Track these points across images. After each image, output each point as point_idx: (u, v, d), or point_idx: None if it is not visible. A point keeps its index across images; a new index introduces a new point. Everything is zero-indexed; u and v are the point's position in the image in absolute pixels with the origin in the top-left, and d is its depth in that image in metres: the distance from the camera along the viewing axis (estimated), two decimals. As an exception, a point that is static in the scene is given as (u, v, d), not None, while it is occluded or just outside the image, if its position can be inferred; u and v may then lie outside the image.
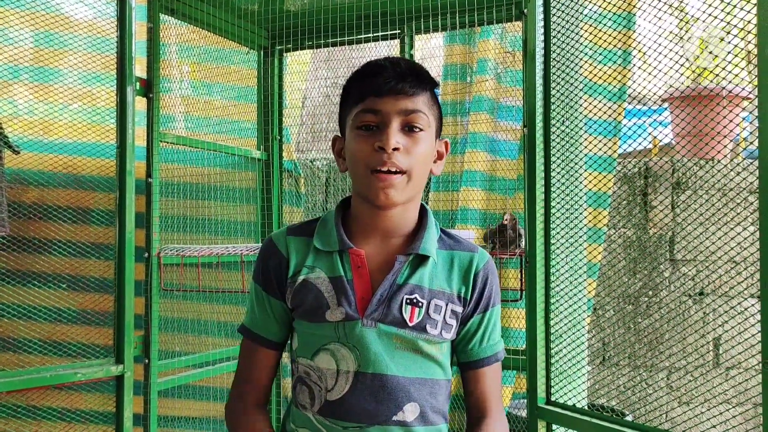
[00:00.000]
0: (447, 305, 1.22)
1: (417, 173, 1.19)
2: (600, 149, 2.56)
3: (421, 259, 1.23)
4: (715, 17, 1.52)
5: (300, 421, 1.24)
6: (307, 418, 1.23)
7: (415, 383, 1.21)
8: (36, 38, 2.65)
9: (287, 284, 1.24)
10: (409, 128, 1.18)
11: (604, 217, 2.78)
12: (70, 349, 2.48)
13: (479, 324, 1.26)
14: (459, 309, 1.24)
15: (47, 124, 2.63)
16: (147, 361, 2.49)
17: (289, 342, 1.31)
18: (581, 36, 2.02)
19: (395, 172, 1.16)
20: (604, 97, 2.11)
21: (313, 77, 3.87)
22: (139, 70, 2.49)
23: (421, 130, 1.19)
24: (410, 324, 1.19)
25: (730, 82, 2.64)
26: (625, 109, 2.69)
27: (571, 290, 2.04)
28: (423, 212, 1.28)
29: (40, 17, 2.52)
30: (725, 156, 3.11)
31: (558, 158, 2.03)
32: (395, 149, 1.15)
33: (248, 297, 1.32)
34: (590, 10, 2.08)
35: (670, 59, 1.69)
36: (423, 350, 1.21)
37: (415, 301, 1.20)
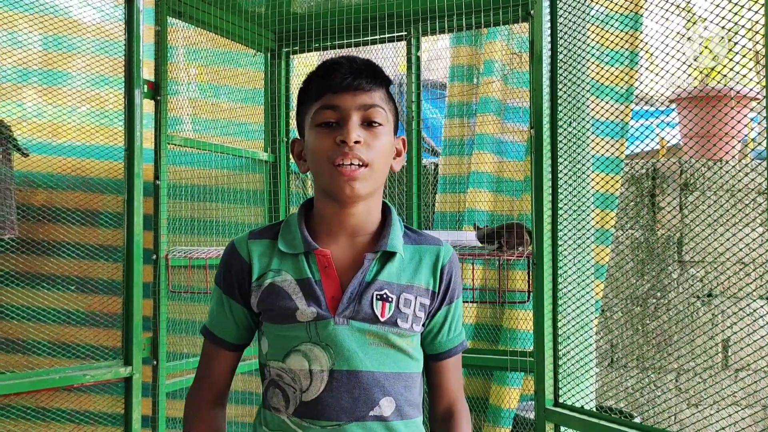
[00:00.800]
0: (416, 298, 1.25)
1: (378, 166, 1.21)
2: (607, 150, 2.55)
3: (389, 256, 1.25)
4: (723, 17, 1.52)
5: (274, 425, 1.24)
6: (281, 420, 1.22)
7: (389, 377, 1.22)
8: (44, 41, 2.67)
9: (251, 289, 1.24)
10: (368, 123, 1.20)
11: (612, 218, 2.77)
12: (79, 351, 2.49)
13: (445, 316, 1.30)
14: (427, 302, 1.26)
15: (56, 126, 2.64)
16: (155, 362, 2.50)
17: (257, 347, 1.31)
18: (588, 37, 2.02)
19: (359, 165, 1.18)
20: (612, 98, 2.11)
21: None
22: (147, 72, 2.50)
23: (380, 124, 1.21)
24: (382, 319, 1.21)
25: (738, 83, 2.63)
26: (632, 110, 2.69)
27: (578, 292, 2.03)
28: (386, 210, 1.30)
29: (48, 20, 2.53)
30: (733, 157, 3.10)
31: (565, 159, 2.03)
32: (356, 142, 1.17)
33: (210, 299, 1.33)
34: (597, 11, 2.08)
35: (678, 60, 1.69)
36: (395, 344, 1.23)
37: (385, 296, 1.22)
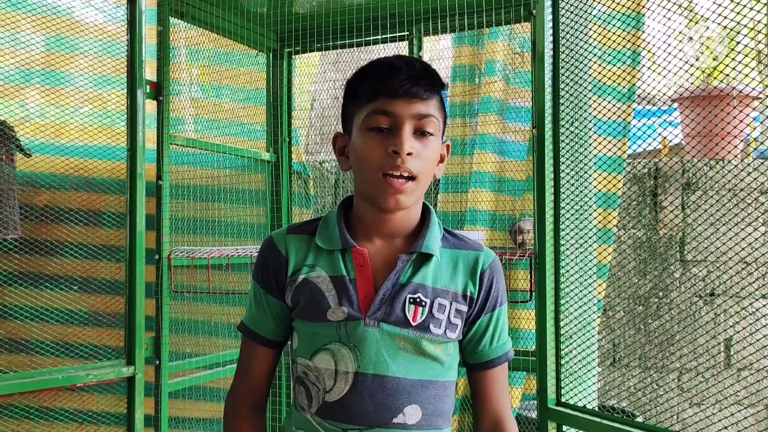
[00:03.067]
0: (451, 304, 1.21)
1: (425, 178, 1.18)
2: (609, 150, 2.55)
3: (424, 258, 1.21)
4: (725, 17, 1.52)
5: (299, 423, 1.23)
6: (305, 419, 1.21)
7: (417, 385, 1.18)
8: (47, 42, 2.67)
9: (287, 283, 1.23)
10: (420, 132, 1.16)
11: (614, 217, 2.77)
12: (82, 351, 2.49)
13: (488, 324, 1.25)
14: (464, 308, 1.22)
15: (58, 127, 2.65)
16: (158, 362, 2.50)
17: (289, 342, 1.30)
18: (590, 37, 2.02)
19: (407, 178, 1.15)
20: (614, 97, 2.11)
21: (322, 79, 3.87)
22: (149, 73, 2.50)
23: (431, 134, 1.17)
24: (413, 323, 1.18)
25: (740, 82, 2.63)
26: (634, 109, 2.69)
27: (580, 291, 2.03)
28: (426, 211, 1.27)
29: (51, 21, 2.54)
30: (735, 156, 3.10)
31: (567, 159, 2.03)
32: (408, 154, 1.14)
33: (248, 295, 1.32)
34: (599, 10, 2.08)
35: (680, 59, 1.69)
36: (426, 351, 1.19)
37: (418, 300, 1.18)
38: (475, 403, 1.28)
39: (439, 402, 1.21)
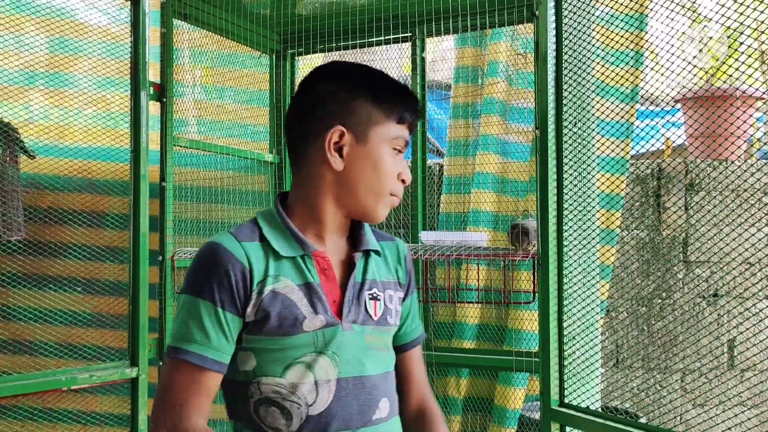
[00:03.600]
0: (395, 293, 1.27)
1: None
2: (612, 150, 2.55)
3: (369, 254, 1.26)
4: (728, 18, 1.52)
5: None
6: None
7: (383, 378, 1.22)
8: (51, 44, 2.68)
9: (250, 296, 1.13)
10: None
11: (617, 218, 2.77)
12: (86, 352, 2.50)
13: (410, 306, 1.33)
14: (401, 294, 1.29)
15: (62, 128, 2.65)
16: (161, 363, 2.51)
17: (232, 363, 1.16)
18: (593, 37, 2.02)
19: None
20: (617, 98, 2.11)
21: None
22: (153, 74, 2.51)
23: None
24: (375, 319, 1.21)
25: (743, 82, 2.63)
26: (637, 110, 2.69)
27: (584, 292, 2.03)
28: None
29: (54, 23, 2.54)
30: (739, 157, 3.10)
31: (570, 160, 2.03)
32: None
33: (186, 314, 1.13)
34: (602, 11, 2.08)
35: (683, 60, 1.69)
36: (386, 343, 1.24)
37: (375, 295, 1.22)
38: (401, 386, 1.31)
39: (394, 389, 1.26)
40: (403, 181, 1.21)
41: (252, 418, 1.16)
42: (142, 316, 2.39)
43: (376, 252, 1.26)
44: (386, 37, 2.77)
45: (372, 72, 1.24)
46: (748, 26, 1.51)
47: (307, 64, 3.23)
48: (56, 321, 2.63)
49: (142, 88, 2.42)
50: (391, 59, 3.02)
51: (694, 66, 1.71)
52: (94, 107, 2.65)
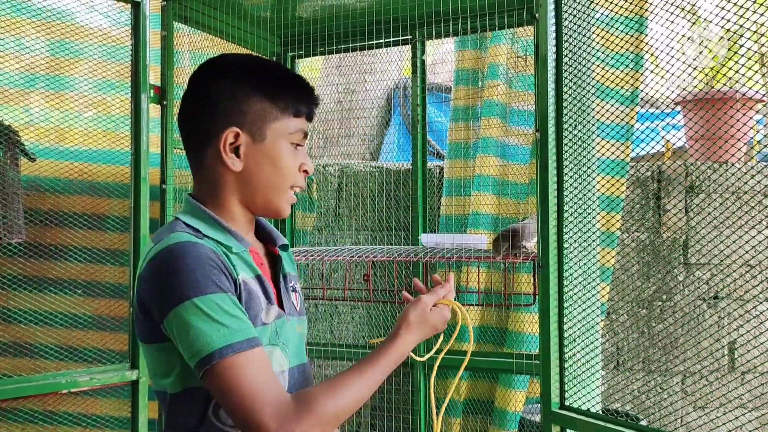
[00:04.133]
0: (298, 284, 1.33)
1: None
2: (612, 153, 2.55)
3: (282, 250, 1.30)
4: (728, 20, 1.52)
5: None
6: None
7: (308, 365, 1.28)
8: (51, 47, 2.68)
9: (237, 282, 1.12)
10: None
11: (617, 220, 2.77)
12: (86, 355, 2.50)
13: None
14: (299, 286, 1.34)
15: (62, 131, 2.65)
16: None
17: (179, 365, 1.11)
18: (593, 40, 2.02)
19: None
20: (617, 100, 2.11)
21: (325, 83, 3.88)
22: (153, 77, 2.51)
23: None
24: (298, 310, 1.27)
25: (743, 84, 2.63)
26: (637, 112, 2.69)
27: (584, 294, 2.03)
28: None
29: (55, 26, 2.54)
30: (739, 159, 3.10)
31: (570, 162, 2.03)
32: None
33: (207, 315, 1.04)
34: (602, 14, 2.08)
35: (683, 63, 1.69)
36: (305, 332, 1.30)
37: (294, 287, 1.29)
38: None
39: None
40: (305, 171, 1.23)
41: (210, 422, 1.12)
42: (143, 318, 2.39)
43: (285, 247, 1.30)
44: (386, 40, 2.77)
45: (263, 66, 1.24)
46: (748, 29, 1.51)
47: (307, 66, 3.23)
48: (57, 323, 2.63)
49: (143, 91, 2.42)
50: (391, 62, 3.02)
51: (694, 68, 1.71)
52: (95, 110, 2.66)
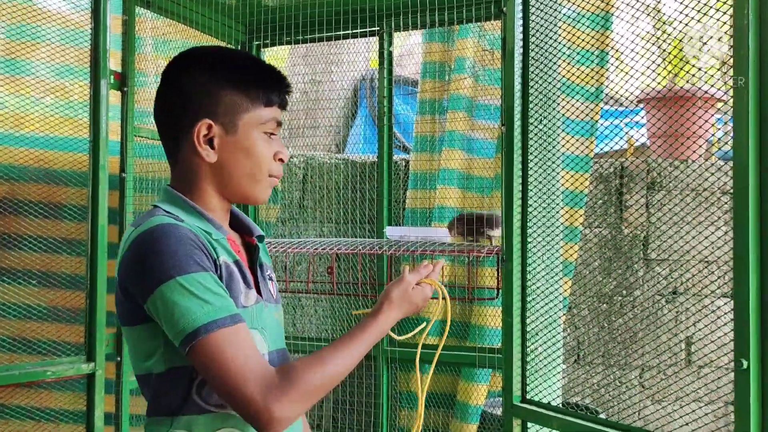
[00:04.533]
0: (274, 276, 1.36)
1: None
2: (577, 149, 2.57)
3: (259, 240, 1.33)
4: (691, 18, 1.54)
5: (215, 425, 1.15)
6: (227, 417, 1.15)
7: (287, 350, 1.31)
8: (8, 30, 2.60)
9: (218, 264, 1.16)
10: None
11: (580, 216, 2.79)
12: (40, 347, 2.44)
13: None
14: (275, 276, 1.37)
15: (19, 117, 2.58)
16: (119, 359, 2.46)
17: (173, 348, 1.12)
18: (559, 35, 2.03)
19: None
20: (582, 95, 2.12)
21: (291, 73, 3.84)
22: (114, 63, 2.45)
23: None
24: (275, 297, 1.30)
25: (705, 82, 2.67)
26: (601, 109, 2.71)
27: (547, 289, 2.04)
28: None
29: (11, 8, 2.47)
30: (699, 157, 3.15)
31: (536, 157, 2.04)
32: None
33: (190, 293, 1.07)
34: (569, 9, 2.09)
35: (647, 59, 1.71)
36: (282, 319, 1.32)
37: (270, 276, 1.31)
38: None
39: None
40: (281, 159, 1.25)
41: (193, 401, 1.14)
42: (100, 310, 2.34)
43: (261, 238, 1.33)
44: (353, 31, 2.75)
45: (235, 58, 1.26)
46: (709, 29, 1.53)
47: (273, 56, 3.19)
48: (10, 315, 2.56)
49: (102, 77, 2.36)
50: (358, 53, 3.00)
51: (658, 65, 1.73)
52: (53, 96, 2.59)
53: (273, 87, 1.24)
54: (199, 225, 1.18)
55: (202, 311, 1.06)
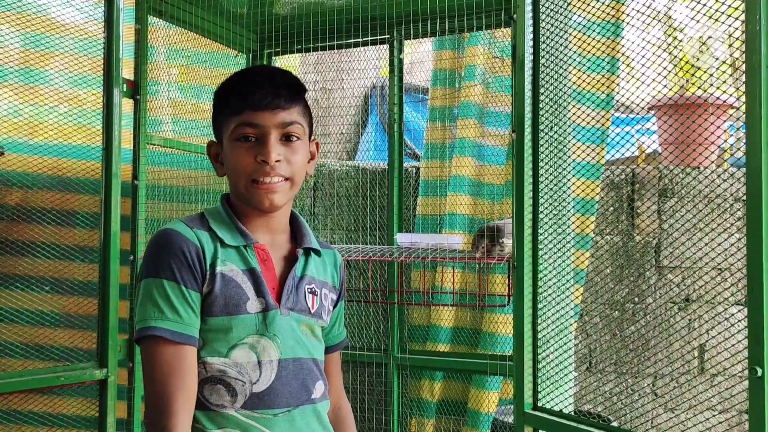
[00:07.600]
0: (329, 294, 1.38)
1: (297, 177, 1.30)
2: (588, 156, 2.57)
3: (309, 253, 1.36)
4: (702, 24, 1.53)
5: (217, 423, 1.22)
6: (226, 416, 1.23)
7: (317, 364, 1.33)
8: (24, 40, 2.63)
9: (205, 275, 1.23)
10: (287, 138, 1.28)
11: (591, 223, 2.78)
12: (53, 353, 2.45)
13: (339, 311, 1.46)
14: (334, 296, 1.41)
15: (33, 125, 2.60)
16: (131, 365, 2.47)
17: None
18: (570, 42, 2.03)
19: (278, 180, 1.27)
20: (593, 102, 2.12)
21: (302, 81, 3.84)
22: (127, 72, 2.47)
23: (298, 138, 1.29)
24: (312, 311, 1.32)
25: (717, 88, 2.66)
26: (612, 116, 2.71)
27: (558, 296, 2.04)
28: (292, 213, 1.40)
29: (27, 19, 2.50)
30: (711, 163, 3.13)
31: (546, 164, 2.04)
32: (277, 161, 1.25)
33: (151, 296, 1.20)
34: (579, 16, 2.09)
35: (659, 65, 1.70)
36: (317, 334, 1.35)
37: (313, 290, 1.34)
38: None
39: (324, 376, 1.37)
40: (263, 161, 1.25)
41: (202, 395, 1.23)
42: (112, 316, 2.35)
43: (317, 252, 1.37)
44: (364, 39, 2.76)
45: (230, 78, 1.33)
46: (720, 35, 1.53)
47: (284, 64, 3.21)
48: (23, 321, 2.58)
49: (115, 85, 2.38)
50: (368, 60, 3.01)
51: (669, 71, 1.73)
52: (67, 105, 2.61)
53: (239, 93, 1.27)
54: (218, 231, 1.27)
55: (154, 315, 1.19)
